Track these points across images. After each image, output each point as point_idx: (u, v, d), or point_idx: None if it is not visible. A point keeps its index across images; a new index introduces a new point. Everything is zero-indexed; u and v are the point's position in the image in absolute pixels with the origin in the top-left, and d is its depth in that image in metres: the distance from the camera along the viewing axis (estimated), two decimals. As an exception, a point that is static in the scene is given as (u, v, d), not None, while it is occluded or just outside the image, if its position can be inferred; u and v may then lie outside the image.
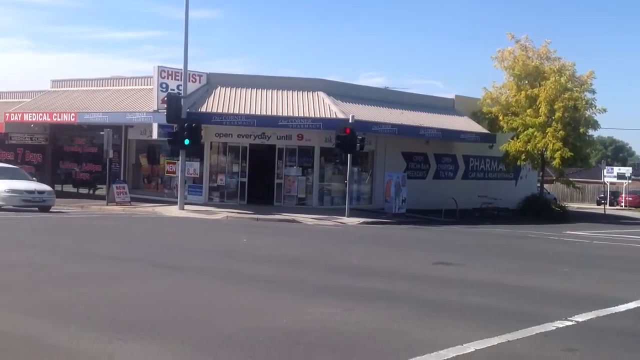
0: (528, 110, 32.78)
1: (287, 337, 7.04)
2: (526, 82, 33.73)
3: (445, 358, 6.48)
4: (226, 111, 27.66)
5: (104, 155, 28.06)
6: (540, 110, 32.34)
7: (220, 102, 28.39)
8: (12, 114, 32.76)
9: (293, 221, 24.31)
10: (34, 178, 26.51)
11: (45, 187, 25.51)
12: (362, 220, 25.67)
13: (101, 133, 28.22)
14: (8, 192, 24.10)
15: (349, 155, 26.61)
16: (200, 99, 28.26)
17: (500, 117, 33.85)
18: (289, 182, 29.54)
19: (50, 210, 24.58)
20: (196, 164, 28.56)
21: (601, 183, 55.31)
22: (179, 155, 26.30)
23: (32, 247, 14.25)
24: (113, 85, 33.16)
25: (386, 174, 30.41)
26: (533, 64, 33.53)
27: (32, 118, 32.36)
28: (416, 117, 31.98)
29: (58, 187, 34.11)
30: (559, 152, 31.52)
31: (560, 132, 31.84)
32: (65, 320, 7.47)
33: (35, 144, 34.79)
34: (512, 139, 33.66)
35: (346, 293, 9.87)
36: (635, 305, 9.67)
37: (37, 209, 24.28)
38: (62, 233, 17.90)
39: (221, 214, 25.21)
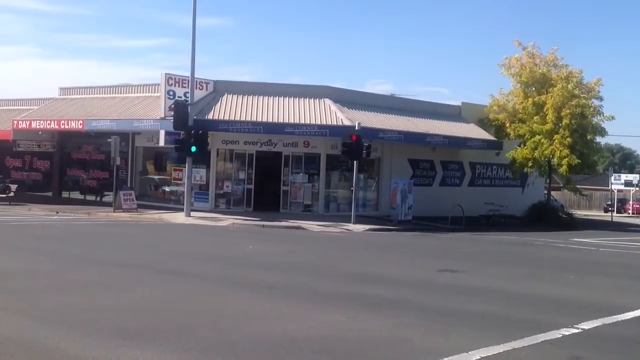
0: (535, 117, 32.72)
1: (292, 344, 7.06)
2: (533, 89, 33.67)
3: (450, 365, 6.50)
4: (233, 118, 27.71)
5: (111, 162, 28.15)
6: (547, 117, 32.26)
7: (227, 109, 28.45)
8: (20, 122, 32.89)
9: (299, 228, 24.32)
10: None
11: None
12: (368, 227, 25.65)
13: (108, 140, 28.32)
14: None
15: (355, 162, 26.61)
16: (207, 106, 28.34)
17: (507, 124, 33.83)
18: (295, 189, 29.56)
19: None
20: (203, 171, 28.63)
21: (608, 190, 55.02)
22: (185, 162, 26.38)
23: (40, 254, 14.34)
24: (121, 93, 33.28)
25: (392, 180, 30.38)
26: (540, 70, 33.45)
27: (40, 125, 32.47)
28: (422, 124, 31.96)
29: (65, 194, 34.42)
30: (566, 159, 31.41)
31: (568, 139, 31.73)
32: (71, 327, 7.51)
33: (42, 151, 34.91)
34: (519, 146, 33.59)
35: (351, 300, 9.89)
36: (641, 313, 9.65)
37: None
38: (69, 240, 17.97)
39: (227, 220, 25.24)
